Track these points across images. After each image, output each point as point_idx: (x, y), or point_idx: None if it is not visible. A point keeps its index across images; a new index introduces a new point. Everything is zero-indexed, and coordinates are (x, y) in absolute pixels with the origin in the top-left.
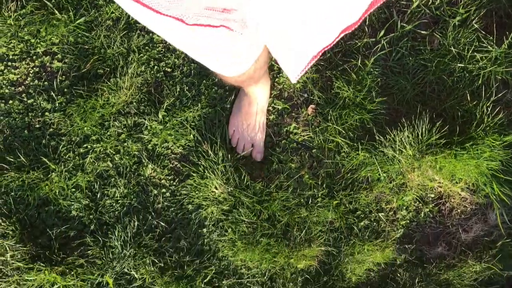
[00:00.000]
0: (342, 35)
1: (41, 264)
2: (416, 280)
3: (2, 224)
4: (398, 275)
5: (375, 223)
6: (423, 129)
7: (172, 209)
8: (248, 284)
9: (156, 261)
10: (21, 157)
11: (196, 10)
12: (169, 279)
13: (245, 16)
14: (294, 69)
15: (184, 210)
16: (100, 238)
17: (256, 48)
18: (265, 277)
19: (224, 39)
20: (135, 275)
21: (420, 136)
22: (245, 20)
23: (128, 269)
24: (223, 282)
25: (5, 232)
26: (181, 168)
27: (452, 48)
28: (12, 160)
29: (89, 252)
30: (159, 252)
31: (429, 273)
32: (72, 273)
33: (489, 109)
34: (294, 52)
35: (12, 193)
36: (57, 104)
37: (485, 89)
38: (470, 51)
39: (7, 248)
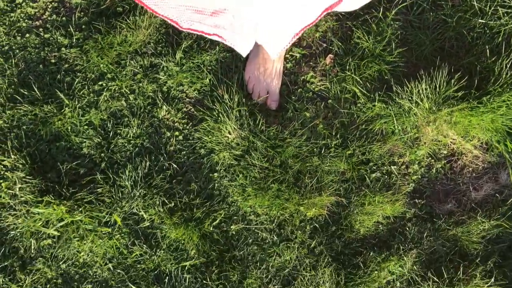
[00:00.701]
0: (324, 13)
1: (50, 198)
2: (425, 235)
3: (13, 157)
4: (407, 229)
5: (386, 176)
6: (441, 81)
7: (184, 152)
8: (256, 230)
9: (166, 202)
10: (35, 91)
11: (187, 13)
12: (178, 221)
13: (234, 19)
14: (275, 47)
15: (196, 154)
16: (110, 176)
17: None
18: (274, 224)
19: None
20: (144, 216)
21: (437, 88)
22: (234, 25)
23: (137, 209)
24: (231, 227)
25: (15, 165)
26: (195, 112)
27: (475, 3)
28: (26, 93)
29: (98, 190)
30: (169, 194)
31: (438, 228)
32: (80, 209)
33: (508, 66)
34: (276, 32)
35: (24, 127)
36: (74, 40)
37: (505, 47)
38: (493, 7)
39: (16, 181)
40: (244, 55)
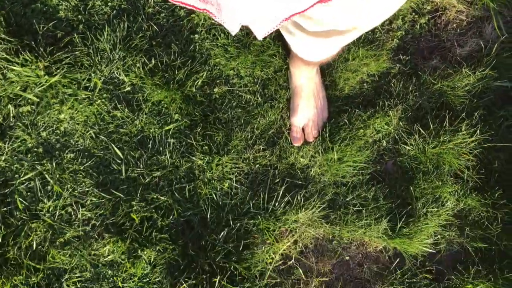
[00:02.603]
0: (318, 4)
1: (27, 56)
2: (410, 90)
3: None
4: (392, 85)
5: (370, 32)
6: None
7: (164, 14)
8: (239, 93)
9: (147, 62)
10: None
11: None
12: (159, 82)
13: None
14: (262, 29)
15: (176, 16)
16: (89, 37)
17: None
18: (257, 85)
19: None
20: (125, 79)
21: None
22: (220, 4)
23: (117, 73)
24: (214, 90)
25: None
26: None
27: None
28: None
29: (76, 52)
30: (149, 55)
31: (423, 83)
32: (59, 71)
33: None
34: (264, 15)
35: None
36: None
37: None
38: None
39: None
40: (233, 33)
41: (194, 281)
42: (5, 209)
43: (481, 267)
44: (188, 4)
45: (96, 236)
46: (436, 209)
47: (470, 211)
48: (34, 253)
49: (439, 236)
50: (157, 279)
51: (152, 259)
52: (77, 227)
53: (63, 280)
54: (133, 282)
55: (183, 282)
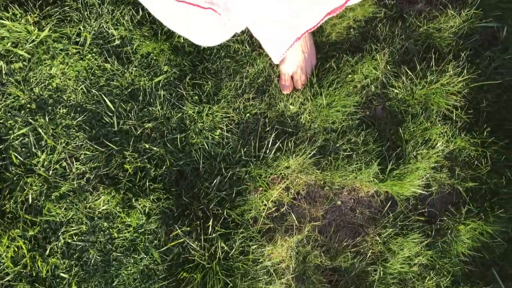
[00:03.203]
0: (326, 18)
1: (17, 10)
2: (396, 33)
3: None
4: (378, 30)
5: None
6: None
7: None
8: (227, 42)
9: (135, 14)
10: None
11: None
12: (148, 33)
13: (228, 3)
14: (277, 51)
15: None
16: None
17: (232, 31)
18: (245, 34)
19: (208, 21)
20: (114, 33)
21: None
22: (228, 6)
23: (106, 27)
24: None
25: None
26: None
27: None
28: None
29: (66, 8)
30: (136, 7)
31: (409, 26)
32: (48, 25)
33: None
34: (278, 36)
35: None
36: None
37: None
38: None
39: None
40: (238, 31)
41: (188, 228)
42: (0, 163)
43: (472, 206)
44: (192, 3)
45: (91, 189)
46: (426, 151)
47: (460, 152)
48: (30, 207)
49: (430, 179)
50: (152, 228)
51: (146, 210)
52: (72, 181)
53: (59, 234)
54: (128, 232)
55: (178, 229)
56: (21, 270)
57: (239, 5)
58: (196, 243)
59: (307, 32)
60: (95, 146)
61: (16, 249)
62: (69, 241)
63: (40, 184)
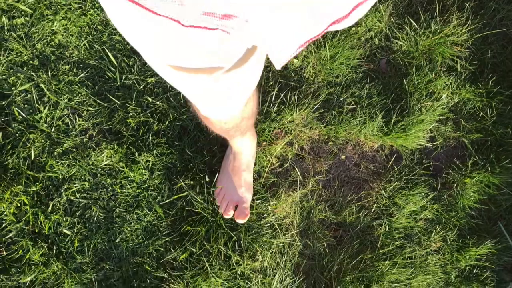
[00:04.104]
0: (331, 27)
1: None
2: None
3: None
4: None
5: None
6: None
7: None
8: None
9: None
10: None
11: (194, 15)
12: None
13: (242, 23)
14: (280, 57)
15: None
16: None
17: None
18: None
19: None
20: None
21: None
22: (242, 27)
23: None
24: None
25: None
26: None
27: None
28: None
29: None
30: None
31: None
32: None
33: None
34: (281, 43)
35: None
36: None
37: None
38: None
39: None
40: (246, 48)
41: (192, 182)
42: (2, 119)
43: (478, 158)
44: (200, 27)
45: (94, 146)
46: (430, 104)
47: (465, 104)
48: (33, 164)
49: (435, 132)
50: (155, 184)
51: (149, 165)
52: (75, 137)
53: (62, 191)
54: (131, 188)
55: (181, 181)
56: (24, 227)
57: (252, 18)
58: (200, 196)
59: (311, 40)
60: (98, 101)
61: (19, 205)
62: (72, 198)
63: (42, 141)
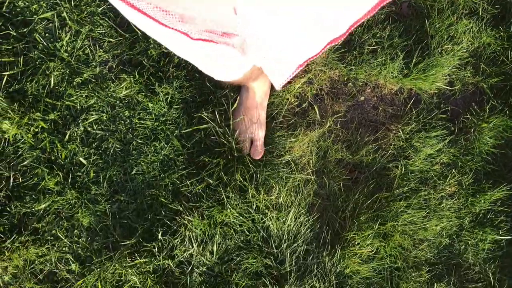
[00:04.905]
0: (328, 46)
1: None
2: None
3: None
4: None
5: None
6: None
7: None
8: None
9: None
10: None
11: (198, 31)
12: None
13: (243, 40)
14: (280, 78)
15: None
16: None
17: (250, 63)
18: None
19: (223, 53)
20: None
21: None
22: (244, 43)
23: None
24: None
25: None
26: None
27: None
28: None
29: None
30: None
31: None
32: None
33: None
34: (280, 63)
35: None
36: None
37: None
38: None
39: None
40: (249, 68)
41: (211, 114)
42: (23, 46)
43: (496, 103)
44: (207, 40)
45: (113, 78)
46: (451, 47)
47: (485, 49)
48: (52, 92)
49: (453, 77)
50: (174, 118)
51: (169, 98)
52: (94, 67)
53: (79, 121)
54: (149, 120)
55: (202, 112)
56: (40, 155)
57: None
58: (220, 129)
59: (310, 60)
60: (120, 31)
61: (36, 131)
62: (89, 129)
63: (62, 69)
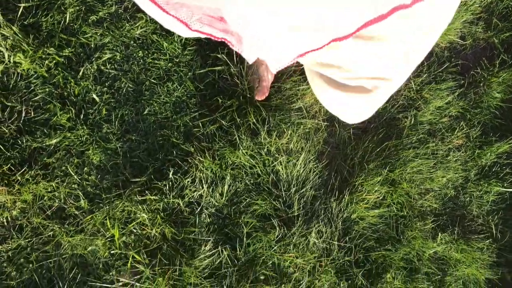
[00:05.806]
0: (332, 43)
1: None
2: None
3: None
4: None
5: None
6: None
7: None
8: None
9: None
10: None
11: (198, 14)
12: None
13: (239, 29)
14: (277, 63)
15: None
16: None
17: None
18: None
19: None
20: None
21: None
22: (241, 35)
23: None
24: None
25: None
26: None
27: None
28: None
29: None
30: None
31: None
32: None
33: None
34: (280, 50)
35: None
36: None
37: None
38: None
39: None
40: (250, 62)
41: (226, 57)
42: None
43: (507, 57)
44: (206, 33)
45: (128, 18)
46: (464, 1)
47: (498, 4)
48: (67, 29)
49: (465, 30)
50: (187, 60)
51: (183, 39)
52: (110, 6)
53: (93, 59)
54: (163, 60)
55: (218, 52)
56: (53, 90)
57: (250, 41)
58: (234, 69)
59: (312, 51)
60: None
61: (50, 65)
62: (102, 68)
63: (77, 6)
